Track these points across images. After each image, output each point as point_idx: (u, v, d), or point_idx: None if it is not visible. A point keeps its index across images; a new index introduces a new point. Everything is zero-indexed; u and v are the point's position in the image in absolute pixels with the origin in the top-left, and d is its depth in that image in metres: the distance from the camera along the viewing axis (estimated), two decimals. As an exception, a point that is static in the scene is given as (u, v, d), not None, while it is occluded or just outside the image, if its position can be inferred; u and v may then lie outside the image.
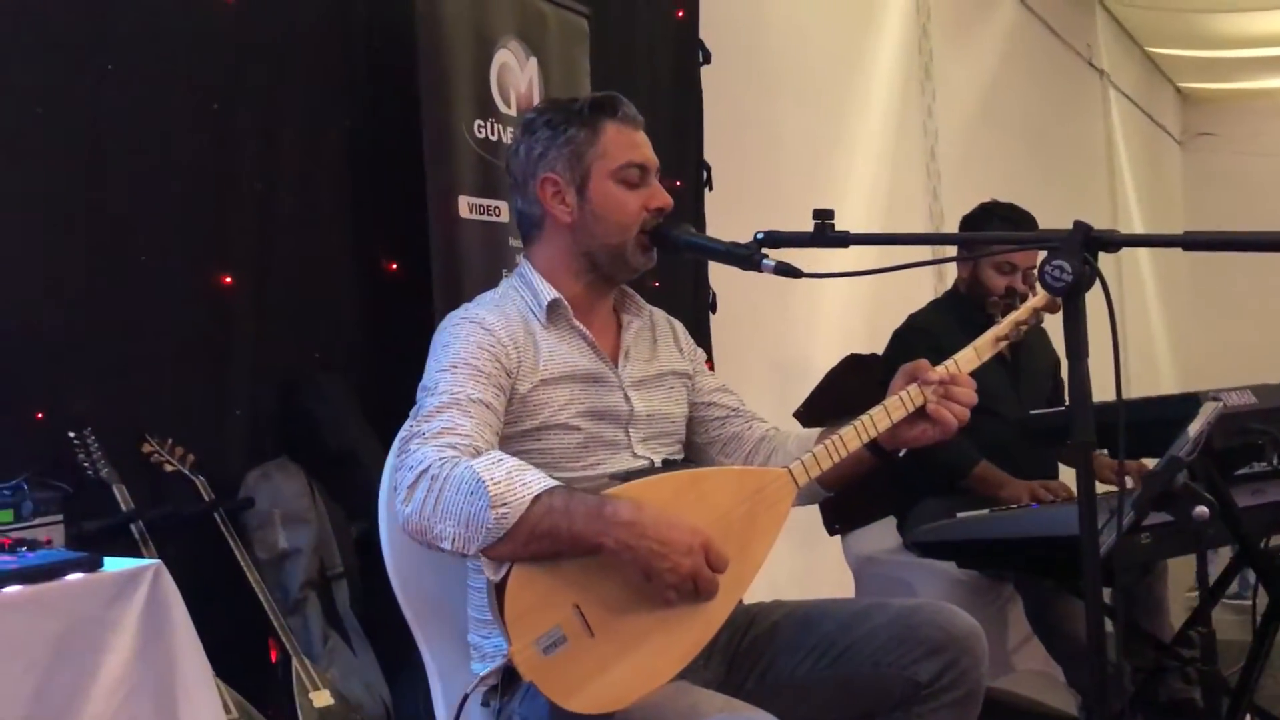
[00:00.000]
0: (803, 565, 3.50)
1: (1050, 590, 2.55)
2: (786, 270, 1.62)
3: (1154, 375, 11.28)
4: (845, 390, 2.99)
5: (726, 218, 4.28)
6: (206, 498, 2.46)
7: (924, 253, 5.80)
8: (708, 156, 4.26)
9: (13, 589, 1.40)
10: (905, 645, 1.58)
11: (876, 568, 2.90)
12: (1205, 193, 11.84)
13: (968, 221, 2.93)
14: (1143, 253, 10.94)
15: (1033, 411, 2.56)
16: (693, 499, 1.46)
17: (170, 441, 2.46)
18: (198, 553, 2.46)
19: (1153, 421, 2.00)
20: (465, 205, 2.94)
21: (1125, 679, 2.24)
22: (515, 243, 3.09)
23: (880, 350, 4.90)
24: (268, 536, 2.55)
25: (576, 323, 1.71)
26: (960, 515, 2.29)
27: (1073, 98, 8.74)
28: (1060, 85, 8.42)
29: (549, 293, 1.70)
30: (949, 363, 1.69)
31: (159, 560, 1.59)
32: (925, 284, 5.79)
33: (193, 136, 2.61)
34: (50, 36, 2.35)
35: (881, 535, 3.01)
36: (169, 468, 2.44)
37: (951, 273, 3.03)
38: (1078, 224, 1.32)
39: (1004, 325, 1.73)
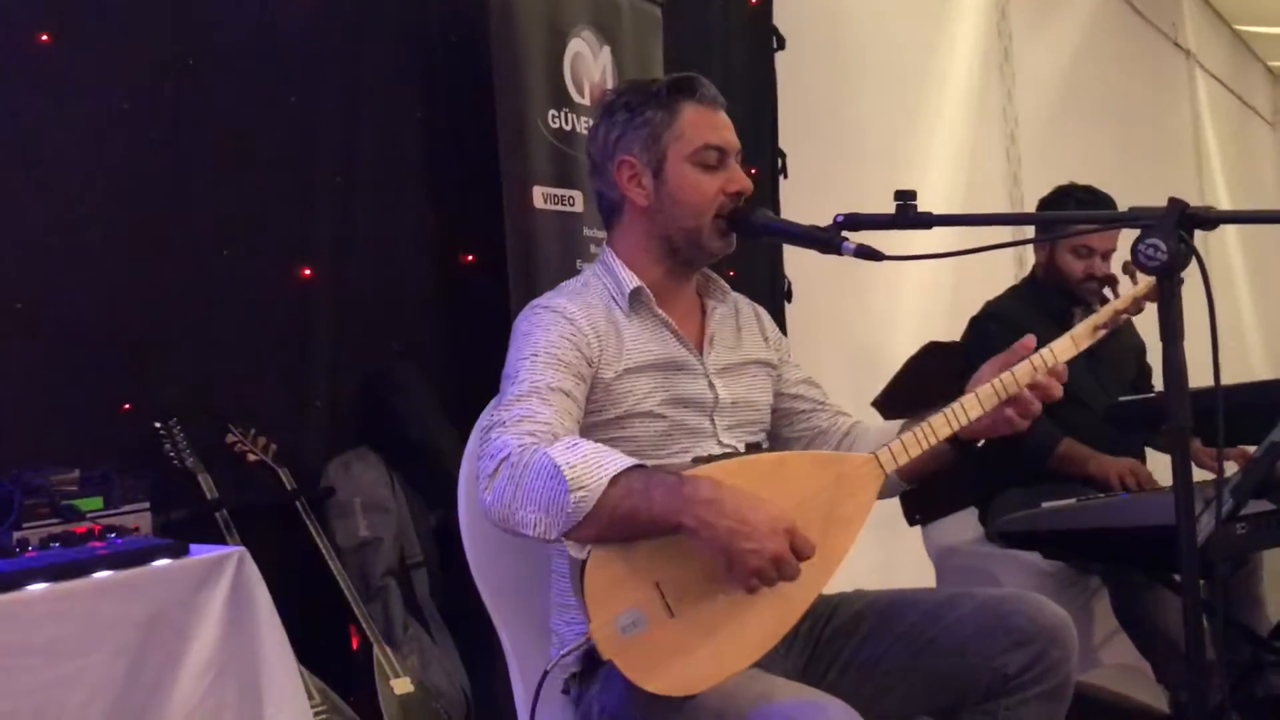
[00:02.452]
0: (882, 557, 3.45)
1: (1139, 583, 2.47)
2: (867, 253, 1.58)
3: (1245, 361, 10.96)
4: (925, 379, 2.94)
5: (802, 205, 4.24)
6: (289, 487, 2.49)
7: (1007, 235, 5.71)
8: (783, 144, 4.22)
9: (103, 574, 1.43)
10: (993, 636, 1.54)
11: (958, 559, 2.84)
12: (1298, 174, 11.48)
13: (1045, 205, 2.86)
14: (1230, 233, 10.64)
15: (1121, 398, 2.49)
16: (776, 483, 1.43)
17: (253, 432, 2.50)
18: (280, 541, 2.50)
19: (1249, 407, 1.94)
20: (540, 195, 2.94)
21: (1221, 675, 2.16)
22: (590, 232, 3.09)
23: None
24: (348, 525, 2.58)
25: (659, 311, 1.69)
26: (1046, 505, 2.24)
27: (1157, 79, 8.52)
28: (1144, 66, 8.21)
29: (631, 281, 1.68)
30: (1045, 351, 1.65)
31: (243, 547, 1.61)
32: (1007, 270, 5.69)
33: (272, 130, 2.64)
34: (131, 33, 2.39)
35: (963, 526, 2.95)
36: (252, 457, 2.48)
37: (1032, 259, 2.96)
38: (1173, 201, 1.28)
39: (1103, 314, 1.67)
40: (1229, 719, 2.33)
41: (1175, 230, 1.25)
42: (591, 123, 1.79)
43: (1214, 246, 9.71)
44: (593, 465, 1.35)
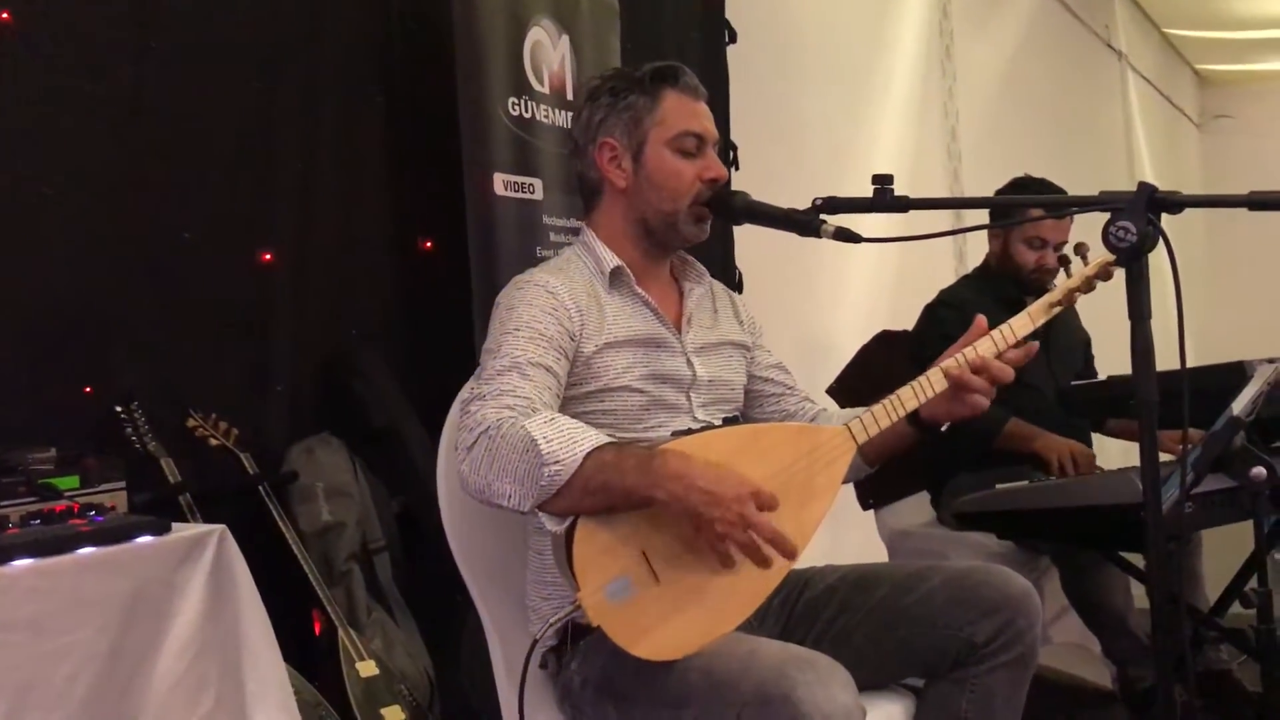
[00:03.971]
0: (832, 542, 3.51)
1: (1088, 562, 2.56)
2: (846, 235, 1.63)
3: (1174, 355, 11.23)
4: (877, 366, 3.00)
5: (754, 191, 4.29)
6: (251, 471, 2.49)
7: (951, 221, 5.84)
8: (734, 136, 4.27)
9: (86, 550, 1.43)
10: (961, 606, 1.59)
11: (911, 542, 2.91)
12: (1223, 175, 11.78)
13: (1000, 194, 2.94)
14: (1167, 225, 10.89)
15: (1074, 382, 2.57)
16: (753, 454, 1.48)
17: (214, 416, 2.49)
18: (243, 525, 2.46)
19: (1197, 391, 2.01)
20: (501, 183, 2.95)
21: (1188, 652, 2.25)
22: (549, 220, 3.11)
23: (907, 324, 4.94)
24: (311, 510, 2.57)
25: (639, 289, 1.73)
26: (1000, 486, 2.30)
27: (1092, 79, 8.71)
28: (1079, 67, 8.40)
29: (612, 260, 1.71)
30: (1004, 327, 1.70)
31: (223, 525, 1.61)
32: (946, 258, 5.81)
33: (233, 115, 2.63)
34: (93, 15, 2.37)
35: (915, 509, 3.02)
36: (214, 442, 2.47)
37: (973, 253, 3.04)
38: (1142, 184, 1.34)
39: (1058, 292, 1.74)
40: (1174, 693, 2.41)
41: (1144, 213, 1.30)
42: (568, 119, 1.83)
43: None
44: (568, 440, 1.38)
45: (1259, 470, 1.54)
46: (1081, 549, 2.47)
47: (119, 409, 2.34)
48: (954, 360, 1.67)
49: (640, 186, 1.72)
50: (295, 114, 2.77)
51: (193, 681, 1.52)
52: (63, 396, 2.29)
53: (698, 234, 1.76)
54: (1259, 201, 1.31)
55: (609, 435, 1.63)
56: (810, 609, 1.67)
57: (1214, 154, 12.18)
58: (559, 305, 1.63)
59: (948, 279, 5.93)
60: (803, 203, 5.07)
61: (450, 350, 2.96)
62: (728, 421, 1.70)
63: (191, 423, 2.47)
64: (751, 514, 1.37)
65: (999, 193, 2.95)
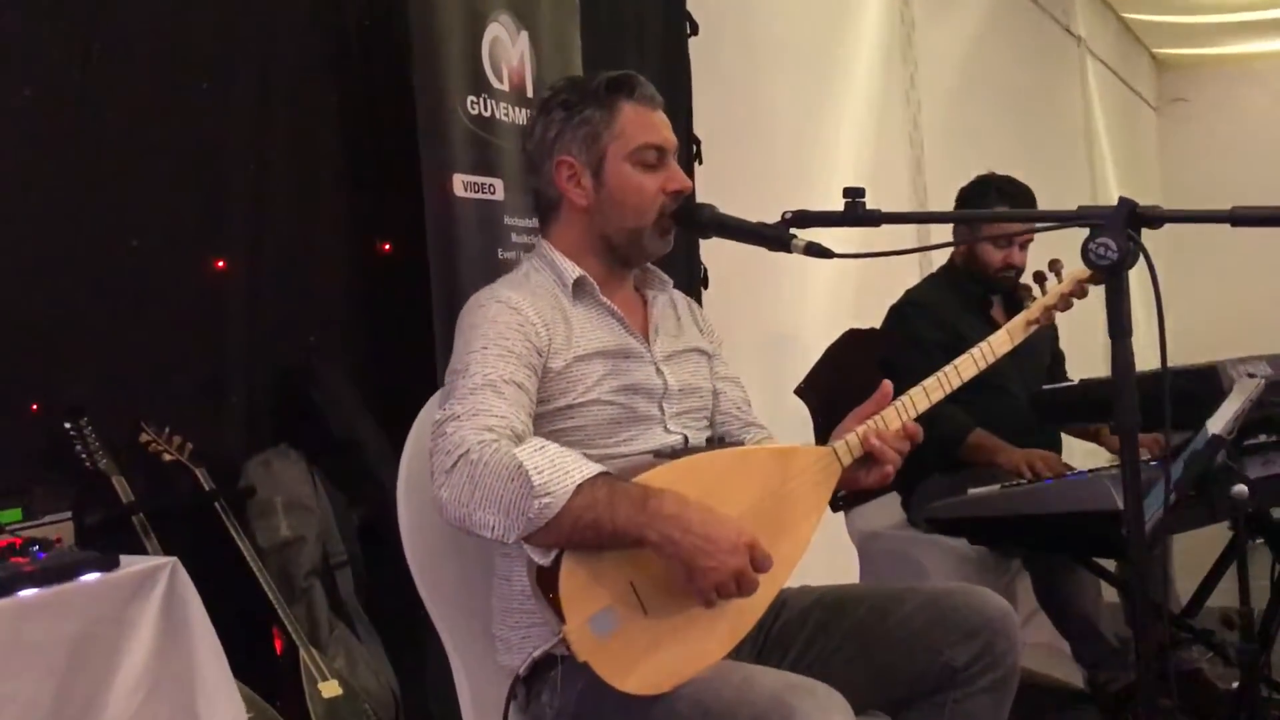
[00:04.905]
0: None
1: (1059, 565, 2.54)
2: (817, 251, 1.58)
3: (1149, 351, 11.32)
4: (845, 366, 2.96)
5: (716, 190, 4.23)
6: (207, 487, 2.42)
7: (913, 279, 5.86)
8: (697, 129, 4.22)
9: (30, 592, 1.36)
10: (939, 629, 1.56)
11: (881, 544, 2.89)
12: (1181, 159, 11.89)
13: (965, 194, 2.92)
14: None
15: (1046, 387, 2.54)
16: (738, 478, 1.44)
17: (167, 430, 2.42)
18: (199, 543, 2.41)
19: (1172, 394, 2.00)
20: (460, 184, 2.88)
21: (1133, 652, 2.24)
22: (510, 221, 3.05)
23: (871, 322, 4.91)
24: (270, 525, 2.51)
25: (604, 299, 1.68)
26: (972, 491, 2.28)
27: (1051, 65, 8.74)
28: (1039, 53, 8.42)
29: (573, 271, 1.66)
30: (984, 345, 1.67)
31: (174, 558, 1.55)
32: (910, 259, 5.81)
33: (183, 118, 2.55)
34: (36, 19, 2.28)
35: (885, 511, 2.99)
36: (167, 457, 2.40)
37: (938, 256, 3.02)
38: (1123, 200, 1.30)
39: (1035, 309, 1.71)
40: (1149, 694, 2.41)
41: (1124, 230, 1.27)
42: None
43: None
44: (559, 471, 1.33)
45: (1240, 489, 1.52)
46: (1054, 554, 2.46)
47: (67, 425, 2.27)
48: (935, 379, 1.63)
49: (602, 204, 1.67)
50: (247, 114, 2.68)
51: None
52: (8, 413, 2.21)
53: (663, 247, 1.71)
54: (1242, 217, 1.28)
55: (581, 452, 1.58)
56: (786, 632, 1.63)
57: (1171, 137, 12.27)
58: (524, 321, 1.57)
59: (912, 273, 5.94)
60: (767, 195, 5.06)
61: (411, 356, 2.89)
62: (712, 442, 1.65)
63: (144, 437, 2.40)
64: (745, 570, 1.33)
65: (963, 191, 2.92)
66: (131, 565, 1.49)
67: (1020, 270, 2.84)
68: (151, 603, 1.49)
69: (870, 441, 1.56)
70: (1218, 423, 1.57)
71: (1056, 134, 8.84)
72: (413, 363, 2.88)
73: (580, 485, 1.33)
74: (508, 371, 1.50)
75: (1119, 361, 1.29)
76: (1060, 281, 1.70)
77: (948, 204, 6.17)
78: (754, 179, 4.63)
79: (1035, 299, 1.72)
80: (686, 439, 1.67)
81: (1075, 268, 1.61)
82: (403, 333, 2.92)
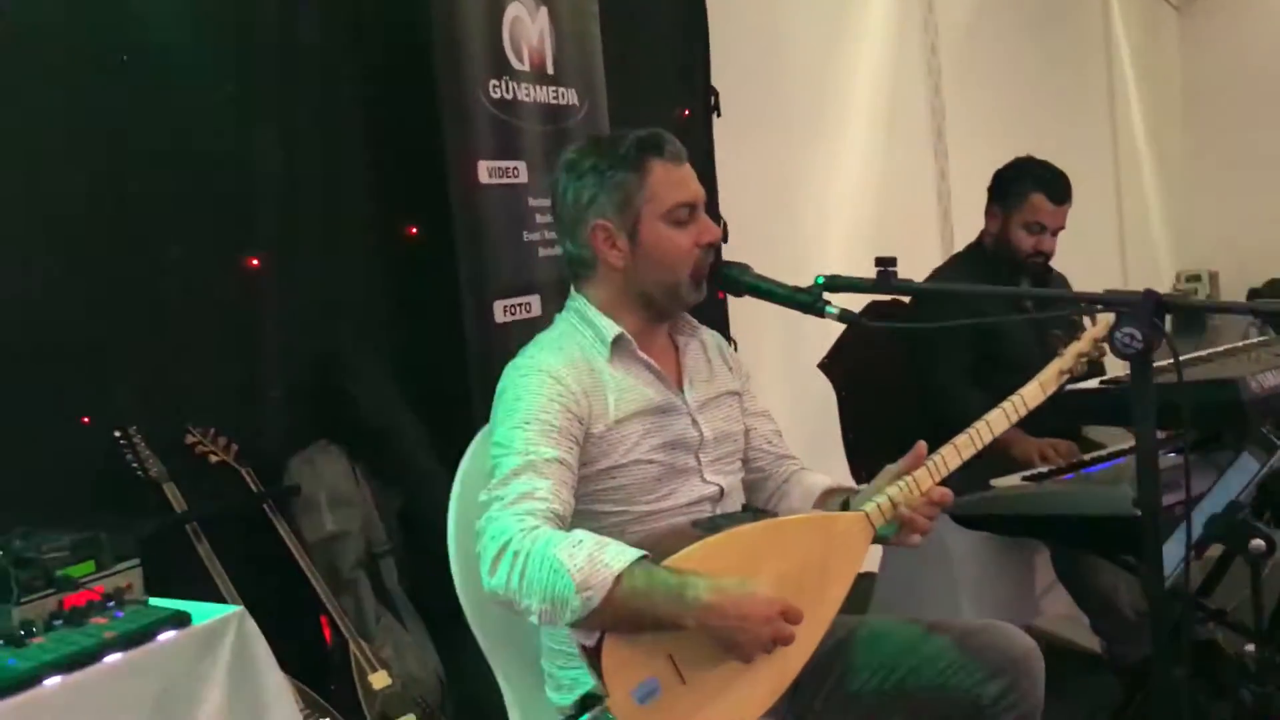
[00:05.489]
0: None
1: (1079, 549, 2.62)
2: (848, 318, 1.63)
3: (1152, 264, 11.30)
4: (868, 339, 2.99)
5: (735, 142, 4.26)
6: (254, 488, 2.50)
7: (933, 207, 5.85)
8: (714, 79, 4.21)
9: (114, 657, 1.45)
10: (968, 668, 1.64)
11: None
12: (1202, 59, 11.69)
13: (1000, 177, 2.92)
14: (1138, 127, 10.88)
15: (1071, 387, 2.59)
16: (774, 549, 1.51)
17: (213, 431, 2.49)
18: (247, 538, 2.52)
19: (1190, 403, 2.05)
20: (485, 170, 2.92)
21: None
22: (535, 202, 3.08)
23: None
24: (315, 520, 2.60)
25: (642, 355, 1.73)
26: (994, 483, 2.34)
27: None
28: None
29: (611, 329, 1.71)
30: (1015, 398, 1.72)
31: (241, 607, 1.64)
32: (930, 223, 5.81)
33: (210, 120, 2.58)
34: (65, 32, 2.30)
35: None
36: (214, 459, 2.48)
37: (960, 222, 3.04)
38: (1148, 292, 1.35)
39: (1068, 358, 1.75)
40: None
41: (1150, 319, 1.31)
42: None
43: (1122, 139, 9.93)
44: (598, 565, 1.40)
45: (1258, 543, 1.59)
46: (1080, 550, 2.54)
47: (117, 434, 2.34)
48: (966, 435, 1.68)
49: (638, 263, 1.71)
50: (273, 112, 2.71)
51: (224, 764, 1.57)
52: (62, 429, 2.29)
53: (697, 297, 1.75)
54: (1263, 310, 1.32)
55: (621, 509, 1.65)
56: (819, 666, 1.70)
57: (1192, 36, 12.05)
58: (564, 391, 1.63)
59: (929, 231, 5.93)
60: (784, 141, 5.02)
61: (442, 338, 2.96)
62: (748, 510, 1.72)
63: (191, 439, 2.47)
64: (780, 631, 1.41)
65: (998, 175, 2.93)
66: (202, 619, 1.57)
67: (1049, 256, 2.87)
68: (222, 652, 1.58)
69: (900, 513, 1.62)
70: (1238, 489, 1.63)
71: (1075, 43, 8.71)
72: (444, 345, 2.95)
73: (619, 576, 1.41)
74: (549, 449, 1.56)
75: (1143, 446, 1.35)
76: (1094, 324, 1.74)
77: (964, 122, 6.17)
78: (771, 125, 4.63)
79: (1071, 343, 1.75)
80: (722, 489, 1.74)
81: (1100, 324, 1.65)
82: (433, 314, 2.98)
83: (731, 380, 1.87)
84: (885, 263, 1.59)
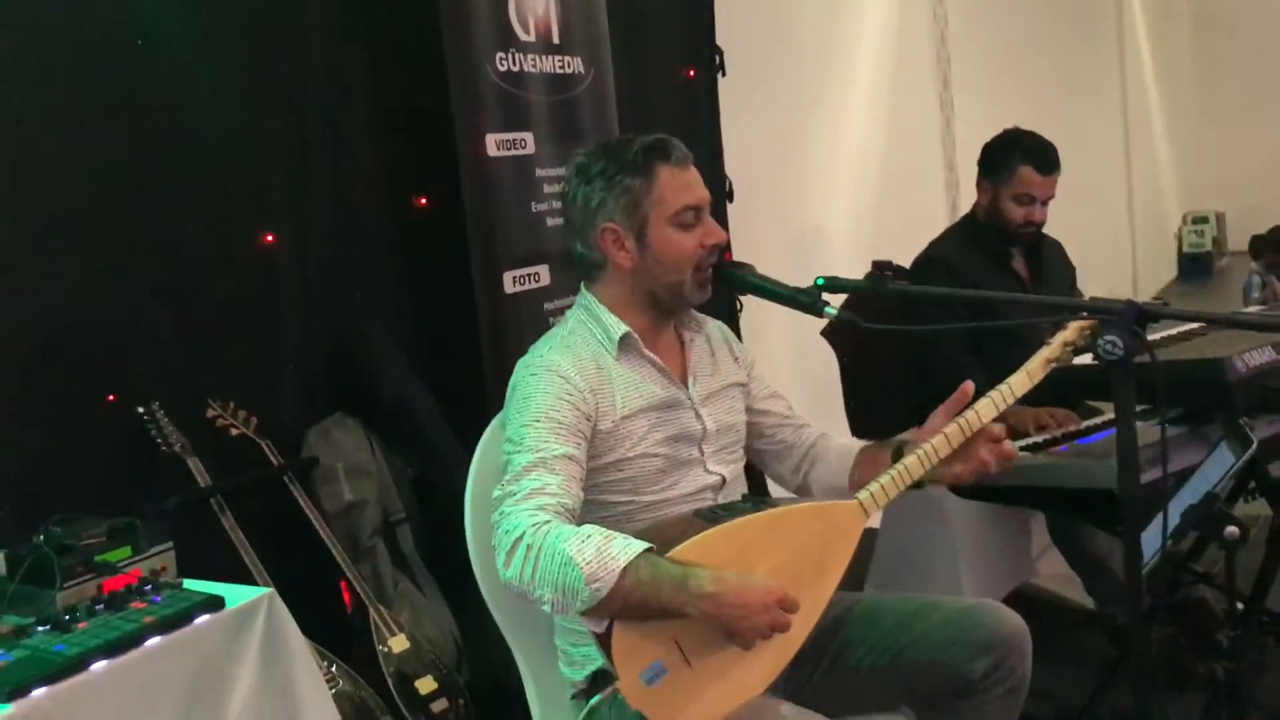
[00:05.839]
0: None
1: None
2: (847, 320, 1.70)
3: (1158, 200, 11.29)
4: (868, 305, 3.05)
5: (741, 103, 4.29)
6: (274, 460, 2.58)
7: (940, 190, 5.85)
8: (720, 41, 4.23)
9: (153, 641, 1.54)
10: (959, 645, 1.73)
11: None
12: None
13: (990, 149, 2.96)
14: (1147, 68, 10.81)
15: (1064, 365, 2.65)
16: (773, 538, 1.59)
17: (232, 405, 2.57)
18: (267, 509, 2.61)
19: (1177, 382, 2.13)
20: (493, 143, 2.96)
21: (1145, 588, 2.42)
22: (542, 173, 3.13)
23: (893, 224, 4.97)
24: (333, 491, 2.69)
25: (648, 353, 1.80)
26: (990, 452, 2.41)
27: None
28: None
29: (619, 327, 1.78)
30: (1003, 387, 1.78)
31: (271, 589, 1.72)
32: (935, 171, 5.82)
33: (224, 98, 2.63)
34: (79, 24, 2.35)
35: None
36: (234, 432, 2.56)
37: (964, 192, 3.08)
38: (1130, 303, 1.41)
39: (1054, 347, 1.81)
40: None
41: (1131, 327, 1.38)
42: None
43: (1130, 73, 9.88)
44: (605, 558, 1.48)
45: (1232, 530, 1.66)
46: (1075, 519, 2.62)
47: (140, 410, 2.42)
48: (955, 425, 1.75)
49: (646, 264, 1.78)
50: (284, 89, 2.76)
51: (256, 736, 1.67)
52: (89, 408, 2.37)
53: (702, 297, 1.82)
54: (1236, 321, 1.39)
55: (628, 500, 1.74)
56: (818, 642, 1.79)
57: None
58: (572, 390, 1.70)
59: (935, 184, 5.94)
60: (788, 93, 5.03)
61: (452, 310, 3.03)
62: (748, 498, 1.80)
63: (211, 413, 2.55)
64: (777, 620, 1.50)
65: (987, 148, 2.97)
66: (235, 602, 1.66)
67: (1040, 225, 2.93)
68: (254, 633, 1.68)
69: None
70: (1215, 481, 1.70)
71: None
72: (455, 316, 3.02)
73: (625, 568, 1.49)
74: (559, 446, 1.64)
75: (1124, 444, 1.42)
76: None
77: (970, 73, 6.17)
78: (776, 83, 4.65)
79: (1058, 332, 1.81)
80: (724, 478, 1.82)
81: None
82: (442, 285, 3.05)
83: (737, 372, 1.94)
84: (881, 266, 1.66)
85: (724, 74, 4.28)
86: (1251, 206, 11.15)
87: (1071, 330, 1.77)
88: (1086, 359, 2.19)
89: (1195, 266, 12.26)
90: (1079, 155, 7.71)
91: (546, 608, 1.52)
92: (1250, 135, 11.98)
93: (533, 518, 1.54)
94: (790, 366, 3.85)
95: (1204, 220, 12.48)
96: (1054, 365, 1.78)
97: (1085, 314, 1.49)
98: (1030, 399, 2.68)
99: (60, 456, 2.30)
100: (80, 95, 2.35)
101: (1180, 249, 12.23)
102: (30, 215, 2.28)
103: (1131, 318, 1.40)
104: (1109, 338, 1.40)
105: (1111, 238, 9.41)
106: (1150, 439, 1.63)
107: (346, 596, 2.65)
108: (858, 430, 3.10)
